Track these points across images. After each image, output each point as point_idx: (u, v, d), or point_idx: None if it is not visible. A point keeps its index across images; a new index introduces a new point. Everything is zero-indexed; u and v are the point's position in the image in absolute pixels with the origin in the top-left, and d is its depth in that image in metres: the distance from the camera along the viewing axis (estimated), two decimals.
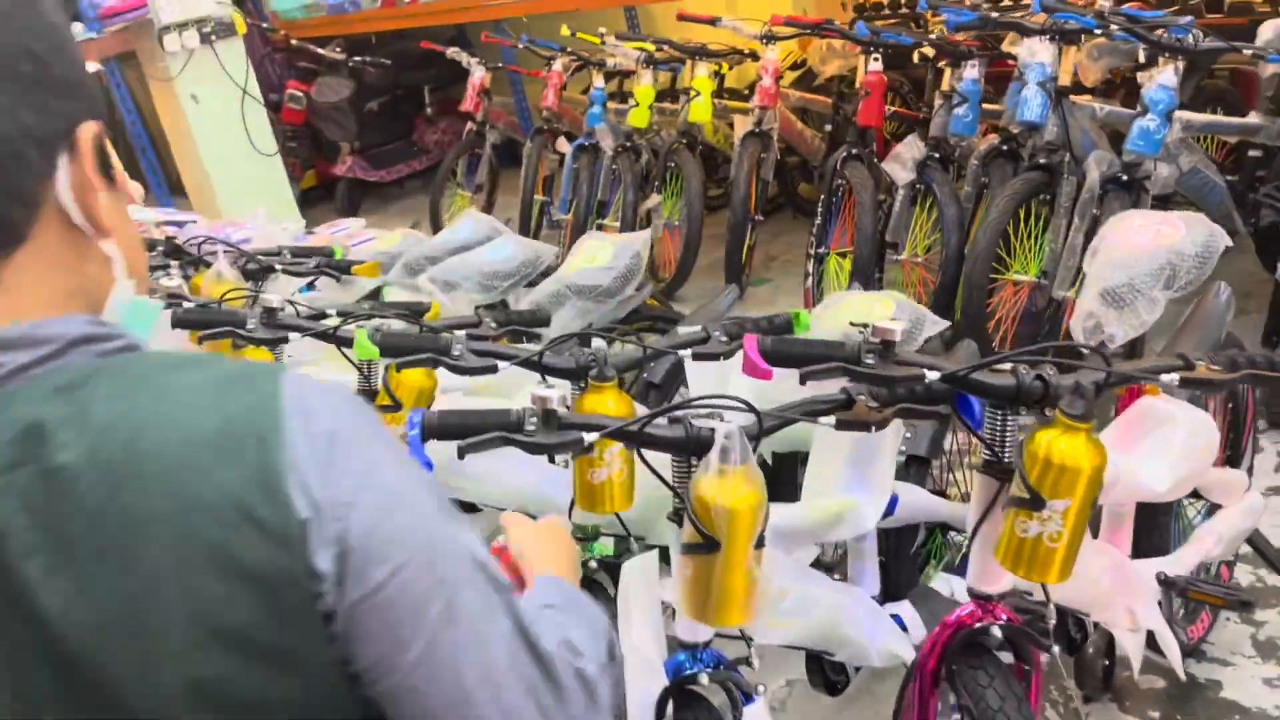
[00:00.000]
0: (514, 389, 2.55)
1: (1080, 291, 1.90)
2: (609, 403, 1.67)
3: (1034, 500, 1.33)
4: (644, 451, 1.47)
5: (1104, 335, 1.80)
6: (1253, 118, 3.52)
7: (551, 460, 2.57)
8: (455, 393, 2.44)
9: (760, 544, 1.37)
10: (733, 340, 1.72)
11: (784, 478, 2.21)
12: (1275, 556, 2.39)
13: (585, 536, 1.92)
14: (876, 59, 3.91)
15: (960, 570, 2.29)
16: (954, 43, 3.79)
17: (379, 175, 7.28)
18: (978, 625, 1.52)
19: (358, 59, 6.81)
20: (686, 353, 1.69)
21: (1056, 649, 1.49)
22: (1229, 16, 4.42)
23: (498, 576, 0.80)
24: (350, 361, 2.10)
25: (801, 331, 1.83)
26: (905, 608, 2.01)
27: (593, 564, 1.88)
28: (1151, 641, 2.01)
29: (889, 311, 1.93)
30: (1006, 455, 1.48)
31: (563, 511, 2.30)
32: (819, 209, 4.11)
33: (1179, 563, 1.97)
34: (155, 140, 6.78)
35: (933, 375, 1.36)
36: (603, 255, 2.48)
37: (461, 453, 1.32)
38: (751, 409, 1.36)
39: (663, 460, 1.48)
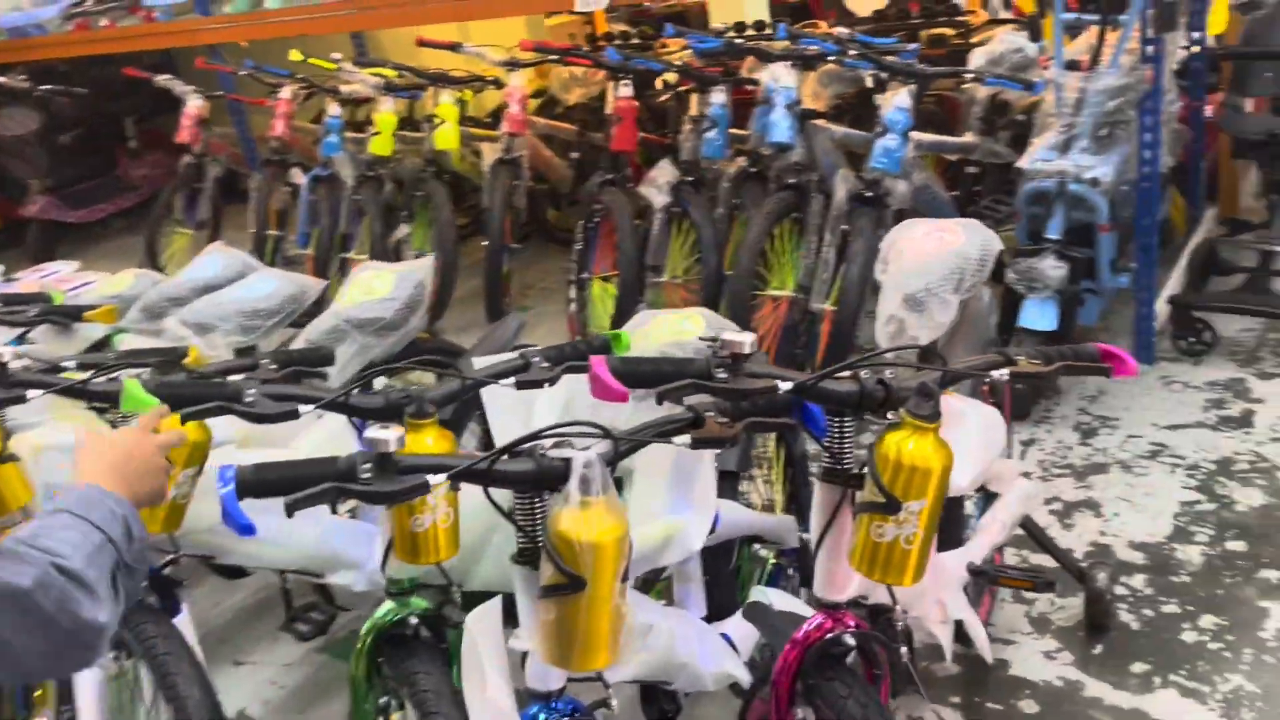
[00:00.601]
0: (288, 437, 2.32)
1: (878, 298, 1.97)
2: (428, 441, 1.54)
3: (889, 504, 1.34)
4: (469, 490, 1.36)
5: (907, 338, 1.86)
6: (969, 138, 3.85)
7: (334, 510, 2.36)
8: (226, 446, 2.19)
9: (626, 577, 1.29)
10: (555, 366, 1.62)
11: None
12: (1041, 536, 2.58)
13: (400, 591, 1.75)
14: (627, 84, 3.94)
15: (773, 583, 2.31)
16: (701, 69, 3.90)
17: (78, 215, 6.59)
18: (830, 635, 1.51)
19: (46, 88, 6.12)
20: (509, 381, 1.58)
21: (906, 650, 1.51)
22: (930, 48, 4.83)
23: None
24: (102, 419, 1.83)
25: (623, 352, 1.77)
26: (732, 626, 1.99)
27: (413, 620, 1.72)
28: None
29: (700, 328, 1.91)
30: (848, 462, 1.48)
31: (363, 568, 2.12)
32: (578, 235, 4.10)
33: (978, 552, 2.07)
34: None
35: (785, 386, 1.33)
36: (381, 286, 2.31)
37: (290, 510, 1.15)
38: (608, 433, 1.28)
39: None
